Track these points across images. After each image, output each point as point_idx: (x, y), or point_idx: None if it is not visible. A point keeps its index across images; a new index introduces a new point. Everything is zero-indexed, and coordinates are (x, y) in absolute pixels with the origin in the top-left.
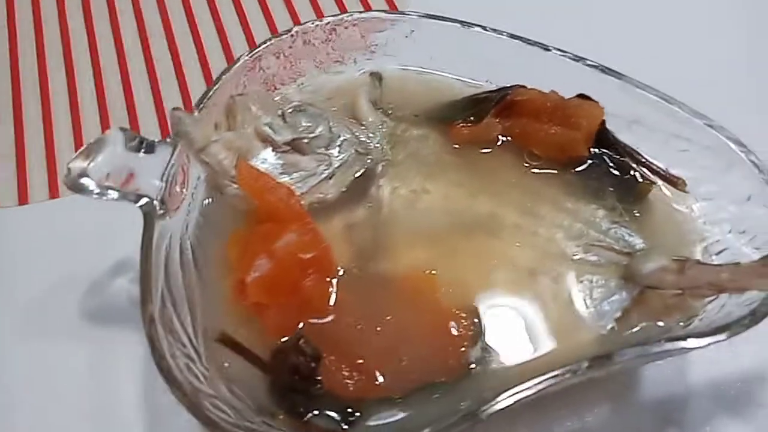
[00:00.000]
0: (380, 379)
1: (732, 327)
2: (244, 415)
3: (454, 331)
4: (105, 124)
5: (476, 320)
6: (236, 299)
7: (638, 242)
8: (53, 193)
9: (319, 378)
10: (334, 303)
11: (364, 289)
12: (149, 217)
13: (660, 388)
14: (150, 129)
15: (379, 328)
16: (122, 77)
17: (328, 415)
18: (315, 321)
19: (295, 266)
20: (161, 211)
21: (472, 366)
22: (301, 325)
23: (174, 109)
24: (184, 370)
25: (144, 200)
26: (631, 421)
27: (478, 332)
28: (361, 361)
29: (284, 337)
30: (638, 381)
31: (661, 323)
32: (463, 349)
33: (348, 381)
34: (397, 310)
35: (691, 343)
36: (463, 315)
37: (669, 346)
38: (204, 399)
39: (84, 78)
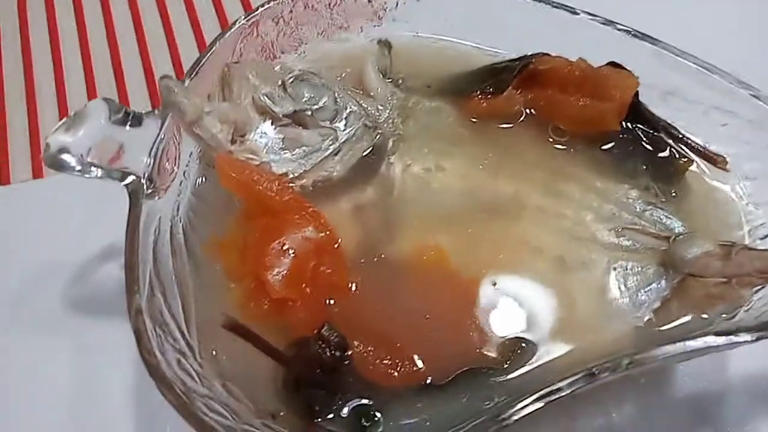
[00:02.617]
0: (419, 363)
1: None
2: (241, 417)
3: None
4: (92, 95)
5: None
6: (254, 301)
7: (677, 225)
8: (37, 172)
9: (342, 370)
10: (356, 289)
11: (381, 272)
12: (135, 197)
13: (695, 383)
14: (139, 100)
15: (405, 312)
16: (109, 44)
17: (344, 417)
18: (339, 310)
19: (310, 255)
20: (149, 191)
21: (512, 354)
22: (326, 316)
23: (163, 77)
24: (174, 366)
25: (130, 178)
26: (663, 418)
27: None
28: (396, 347)
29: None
30: (671, 375)
31: (704, 315)
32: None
33: (390, 369)
34: (419, 291)
35: (741, 338)
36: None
37: (715, 341)
38: (197, 399)
39: (69, 45)
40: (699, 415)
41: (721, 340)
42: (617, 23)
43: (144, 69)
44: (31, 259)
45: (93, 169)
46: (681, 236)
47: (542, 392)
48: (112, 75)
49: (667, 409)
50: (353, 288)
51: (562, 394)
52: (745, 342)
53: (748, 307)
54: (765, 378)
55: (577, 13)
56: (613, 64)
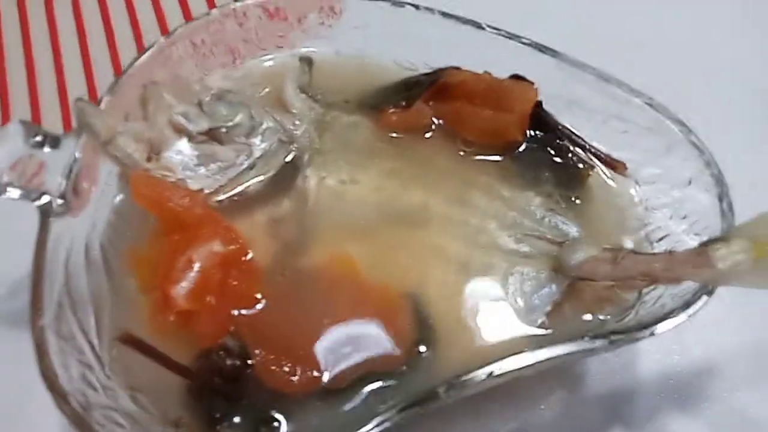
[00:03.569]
0: (320, 369)
1: (662, 321)
2: (145, 427)
3: (389, 320)
4: (6, 117)
5: (408, 311)
6: (161, 314)
7: (573, 231)
8: None
9: (244, 378)
10: (264, 300)
11: (291, 283)
12: (44, 217)
13: (607, 382)
14: (55, 123)
15: (311, 320)
16: (27, 67)
17: (246, 423)
18: (245, 320)
19: (217, 268)
20: (62, 210)
21: (411, 358)
22: (232, 326)
23: (77, 99)
24: (77, 379)
25: (44, 198)
26: (576, 417)
27: (410, 325)
28: (300, 353)
29: None
30: (584, 375)
31: (594, 317)
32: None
33: (291, 376)
34: (326, 299)
35: (623, 338)
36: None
37: (601, 342)
38: (96, 411)
39: None
40: (610, 413)
41: (603, 342)
42: (522, 37)
43: (58, 90)
44: None
45: (9, 189)
46: (570, 242)
47: (423, 397)
48: (28, 98)
49: (579, 408)
50: (261, 298)
51: (442, 398)
52: (626, 342)
53: (638, 308)
54: (673, 376)
55: (483, 28)
56: (516, 77)
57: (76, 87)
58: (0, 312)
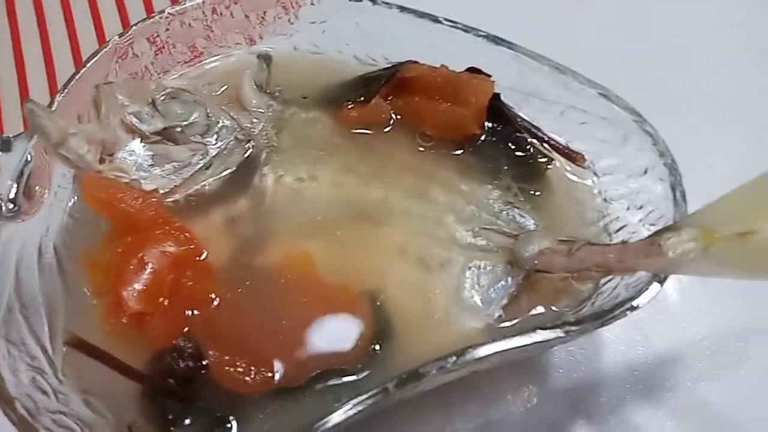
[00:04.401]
0: (275, 369)
1: (616, 311)
2: (96, 431)
3: (346, 318)
4: None
5: (365, 308)
6: (113, 316)
7: (530, 224)
8: None
9: (198, 379)
10: (219, 300)
11: (247, 282)
12: None
13: (570, 375)
14: (16, 124)
15: (268, 319)
16: None
17: (199, 425)
18: (200, 321)
19: (170, 268)
20: (11, 214)
21: (368, 354)
22: (186, 327)
23: (28, 100)
24: (25, 384)
25: None
26: (540, 411)
27: (367, 322)
28: (255, 353)
29: None
30: (547, 368)
31: (550, 309)
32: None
33: (245, 377)
34: (282, 297)
35: (578, 329)
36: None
37: (550, 334)
38: (45, 416)
39: None
40: (575, 406)
41: (554, 333)
42: (478, 29)
43: (20, 90)
44: None
45: None
46: (524, 234)
47: (370, 393)
48: None
49: (544, 402)
50: (217, 299)
51: (393, 393)
52: (580, 333)
53: (594, 301)
54: (637, 367)
55: (440, 21)
56: (472, 70)
57: (39, 90)
58: None
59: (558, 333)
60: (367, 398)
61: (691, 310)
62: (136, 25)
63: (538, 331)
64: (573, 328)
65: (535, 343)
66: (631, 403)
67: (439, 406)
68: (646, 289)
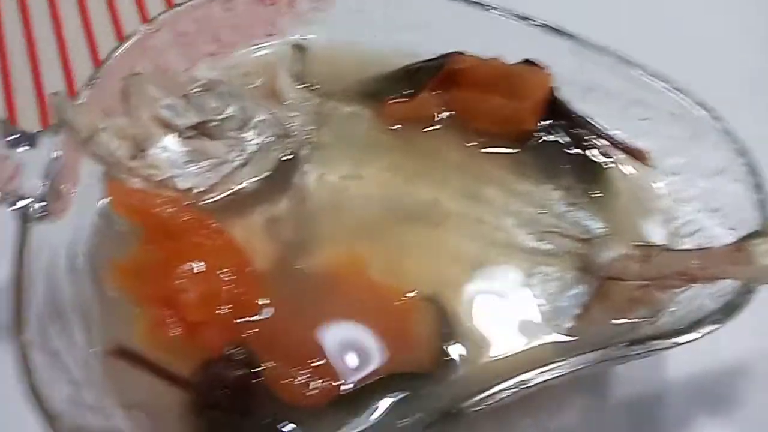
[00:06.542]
0: (337, 378)
1: (703, 324)
2: None
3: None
4: None
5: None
6: (161, 326)
7: (598, 227)
8: None
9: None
10: (268, 306)
11: (296, 287)
12: (24, 223)
13: (633, 386)
14: (30, 119)
15: (322, 325)
16: None
17: None
18: (251, 328)
19: (217, 275)
20: (41, 214)
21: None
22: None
23: (53, 93)
24: (66, 399)
25: (21, 203)
26: (602, 424)
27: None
28: (313, 362)
29: None
30: (609, 379)
31: (626, 319)
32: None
33: (305, 387)
34: (335, 302)
35: (660, 344)
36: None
37: (634, 349)
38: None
39: None
40: (638, 417)
41: (642, 347)
42: (532, 19)
43: (35, 85)
44: None
45: None
46: (597, 239)
47: (448, 410)
48: (1, 92)
49: (606, 413)
50: (265, 305)
51: (477, 408)
52: (665, 348)
53: (673, 309)
54: (703, 377)
55: (489, 9)
56: (527, 62)
57: (54, 82)
58: None
59: (643, 348)
60: (440, 418)
61: (763, 318)
62: (161, 14)
63: (622, 346)
64: (660, 342)
65: (618, 357)
66: (699, 417)
67: (493, 416)
68: (738, 301)
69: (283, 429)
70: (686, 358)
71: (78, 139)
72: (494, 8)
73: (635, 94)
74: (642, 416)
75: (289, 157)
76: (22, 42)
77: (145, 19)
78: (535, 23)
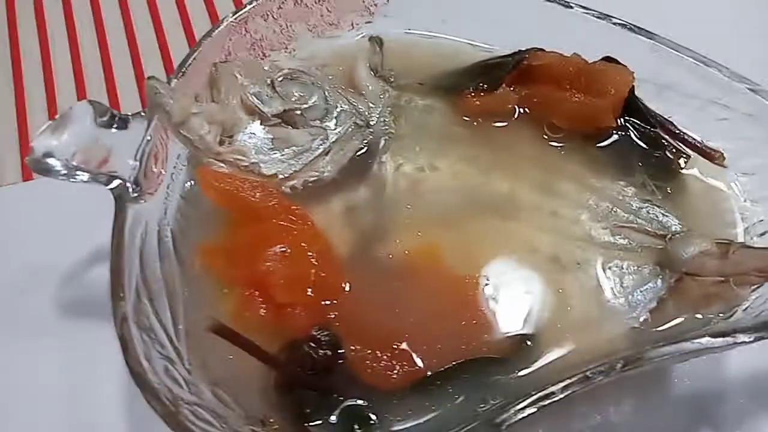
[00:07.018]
0: (418, 363)
1: None
2: (230, 423)
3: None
4: (81, 97)
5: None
6: (251, 307)
7: (674, 223)
8: (27, 174)
9: (336, 371)
10: (351, 290)
11: (376, 272)
12: (121, 202)
13: (693, 382)
14: (130, 102)
15: (403, 310)
16: (99, 44)
17: (336, 422)
18: (335, 311)
19: (306, 259)
20: (135, 194)
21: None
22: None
23: (149, 78)
24: (161, 373)
25: (116, 182)
26: (660, 418)
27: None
28: (396, 346)
29: None
30: (670, 374)
31: (701, 314)
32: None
33: (388, 371)
34: (414, 288)
35: (738, 338)
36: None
37: (712, 342)
38: (184, 407)
39: (58, 46)
40: (698, 414)
41: (719, 341)
42: (612, 17)
43: (134, 69)
44: (20, 262)
45: (78, 173)
46: (678, 235)
47: (535, 397)
48: (102, 76)
49: (666, 409)
50: (348, 289)
51: (555, 398)
52: (743, 343)
53: (746, 306)
54: (764, 376)
55: (571, 7)
56: (607, 59)
57: (152, 68)
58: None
59: (730, 340)
60: (535, 399)
61: None
62: (251, 2)
63: (710, 338)
64: (747, 336)
65: (694, 350)
66: (759, 414)
67: (558, 408)
68: None
69: (363, 412)
70: (747, 356)
71: (170, 123)
72: (574, 6)
73: (712, 94)
74: (701, 412)
75: (368, 147)
76: (121, 27)
77: (238, 5)
78: (616, 21)
